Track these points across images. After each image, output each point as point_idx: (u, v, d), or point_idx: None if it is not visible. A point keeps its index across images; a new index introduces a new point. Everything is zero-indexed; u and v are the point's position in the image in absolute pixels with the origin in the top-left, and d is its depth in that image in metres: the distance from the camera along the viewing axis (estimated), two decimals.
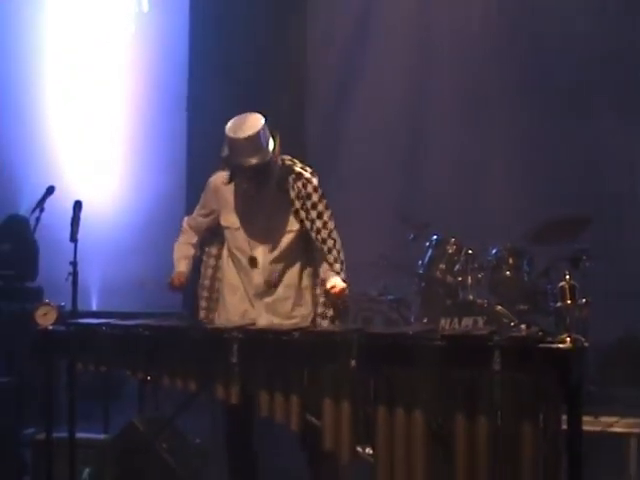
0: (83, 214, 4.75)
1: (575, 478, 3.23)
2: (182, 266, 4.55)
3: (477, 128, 8.14)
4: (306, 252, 4.44)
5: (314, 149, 7.93)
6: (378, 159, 8.19)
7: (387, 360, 3.46)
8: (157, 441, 5.08)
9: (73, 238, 4.66)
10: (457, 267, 6.70)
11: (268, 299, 4.39)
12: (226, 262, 4.48)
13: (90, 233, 5.14)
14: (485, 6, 8.21)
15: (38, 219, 5.01)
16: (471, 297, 6.55)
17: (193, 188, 7.84)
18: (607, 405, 6.03)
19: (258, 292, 4.39)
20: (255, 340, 3.74)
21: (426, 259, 6.80)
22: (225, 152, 4.26)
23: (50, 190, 5.19)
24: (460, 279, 6.67)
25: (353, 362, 3.47)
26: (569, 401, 3.26)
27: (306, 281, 4.45)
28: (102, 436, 5.14)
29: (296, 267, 4.43)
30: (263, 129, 4.22)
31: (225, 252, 4.49)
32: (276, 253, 4.38)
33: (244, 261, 4.40)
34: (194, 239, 4.58)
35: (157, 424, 5.21)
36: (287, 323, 4.21)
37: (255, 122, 4.23)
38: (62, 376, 4.19)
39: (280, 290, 4.40)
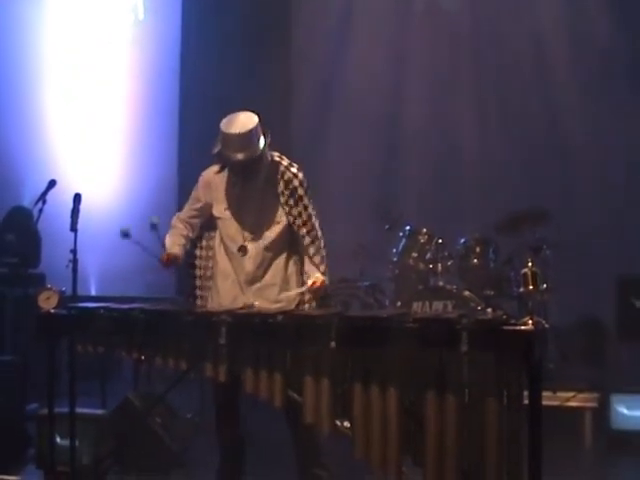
0: (82, 206, 4.73)
1: (535, 449, 3.24)
2: (175, 249, 4.47)
3: (449, 126, 8.13)
4: (292, 241, 4.42)
5: (299, 147, 7.90)
6: (358, 158, 8.17)
7: (364, 341, 3.44)
8: (151, 415, 5.07)
9: (73, 228, 4.63)
10: (428, 255, 6.72)
11: (257, 285, 4.37)
12: (218, 250, 4.45)
13: (89, 223, 5.11)
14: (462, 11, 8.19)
15: (41, 210, 4.99)
16: (441, 283, 6.56)
17: (184, 182, 7.83)
18: (564, 382, 6.07)
19: (248, 279, 4.37)
20: (242, 323, 3.71)
21: (400, 248, 6.81)
22: (218, 145, 4.24)
23: (52, 184, 5.17)
24: (431, 266, 6.68)
25: (332, 343, 3.45)
26: (530, 378, 3.26)
27: (292, 267, 4.43)
28: (100, 411, 5.12)
29: (283, 255, 4.40)
30: (256, 128, 4.19)
31: (217, 241, 4.46)
32: (265, 242, 4.35)
33: (235, 249, 4.37)
34: (184, 231, 4.52)
35: (150, 400, 5.19)
36: (273, 307, 4.19)
37: (249, 120, 4.20)
38: (63, 356, 4.16)
39: (268, 277, 4.38)
